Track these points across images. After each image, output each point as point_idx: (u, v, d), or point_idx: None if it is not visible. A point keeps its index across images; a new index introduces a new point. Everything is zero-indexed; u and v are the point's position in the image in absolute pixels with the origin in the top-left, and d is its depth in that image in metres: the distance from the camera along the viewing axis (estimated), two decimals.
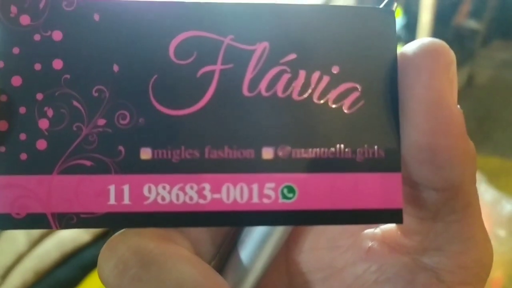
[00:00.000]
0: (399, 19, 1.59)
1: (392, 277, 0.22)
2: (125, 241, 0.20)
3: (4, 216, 0.19)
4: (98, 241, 0.73)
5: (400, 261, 0.22)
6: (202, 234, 0.22)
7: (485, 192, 0.99)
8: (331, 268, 0.23)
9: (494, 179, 1.05)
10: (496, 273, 0.85)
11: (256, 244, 0.22)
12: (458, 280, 0.20)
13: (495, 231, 0.92)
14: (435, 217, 0.20)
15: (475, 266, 0.20)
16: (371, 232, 0.23)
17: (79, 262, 0.73)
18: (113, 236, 0.20)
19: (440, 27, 1.65)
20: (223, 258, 0.23)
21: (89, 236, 0.73)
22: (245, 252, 0.22)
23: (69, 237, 0.72)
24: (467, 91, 1.70)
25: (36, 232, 0.72)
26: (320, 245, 0.24)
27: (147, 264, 0.19)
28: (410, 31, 1.63)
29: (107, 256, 0.20)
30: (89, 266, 0.70)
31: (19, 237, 0.73)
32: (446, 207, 0.20)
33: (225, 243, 0.23)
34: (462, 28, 1.79)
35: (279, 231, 0.22)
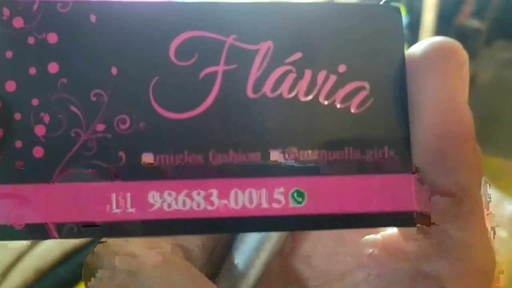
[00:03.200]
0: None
1: (392, 284, 0.21)
2: (112, 247, 0.19)
3: (1, 227, 0.18)
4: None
5: (401, 268, 0.21)
6: (193, 239, 0.22)
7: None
8: (329, 275, 0.23)
9: (496, 180, 1.05)
10: (497, 274, 0.84)
11: (250, 250, 0.22)
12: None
13: (496, 232, 0.92)
14: (438, 222, 0.20)
15: (478, 274, 0.20)
16: (371, 238, 0.22)
17: (80, 260, 0.73)
18: (99, 243, 0.20)
19: (443, 26, 1.65)
20: (215, 264, 0.23)
21: None
22: (239, 258, 0.22)
23: None
24: (469, 90, 1.70)
25: None
26: (317, 251, 0.23)
27: (134, 271, 0.18)
28: (413, 30, 1.63)
29: (92, 263, 0.19)
30: None
31: None
32: (451, 213, 0.19)
33: (217, 247, 0.23)
34: (465, 27, 1.79)
35: (274, 237, 0.22)
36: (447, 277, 0.20)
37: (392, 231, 0.22)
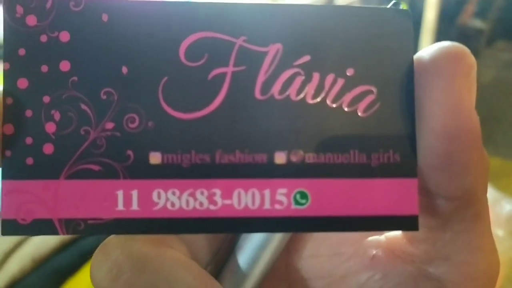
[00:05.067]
0: None
1: (396, 286, 0.21)
2: (119, 245, 0.19)
3: (9, 221, 0.19)
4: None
5: (405, 270, 0.21)
6: (199, 238, 0.22)
7: None
8: (333, 275, 0.23)
9: (495, 180, 1.05)
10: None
11: (254, 250, 0.22)
12: None
13: (493, 231, 0.92)
14: (444, 226, 0.20)
15: (482, 277, 0.20)
16: (376, 239, 0.23)
17: (78, 249, 0.73)
18: (106, 240, 0.20)
19: (445, 26, 1.65)
20: (220, 263, 0.23)
21: None
22: (243, 257, 0.22)
23: None
24: None
25: None
26: (321, 252, 0.23)
27: (141, 268, 0.18)
28: (415, 30, 1.62)
29: (100, 260, 0.19)
30: (88, 254, 0.69)
31: None
32: (457, 216, 0.19)
33: (223, 247, 0.23)
34: (467, 27, 1.79)
35: (278, 237, 0.22)
36: (452, 280, 0.20)
37: (396, 232, 0.22)
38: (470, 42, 1.76)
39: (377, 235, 0.23)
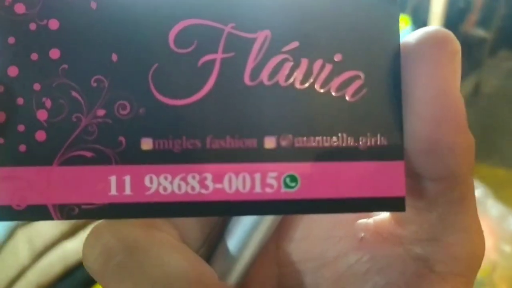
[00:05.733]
0: (408, 28, 1.60)
1: (384, 267, 0.22)
2: (110, 228, 0.20)
3: (4, 208, 0.19)
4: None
5: (393, 251, 0.21)
6: (190, 221, 0.22)
7: (492, 207, 0.98)
8: (323, 258, 0.23)
9: (499, 191, 1.04)
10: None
11: (244, 233, 0.22)
12: (451, 270, 0.20)
13: (500, 246, 0.92)
14: (431, 207, 0.20)
15: (468, 258, 0.20)
16: (364, 222, 0.23)
17: (82, 275, 0.73)
18: (98, 223, 0.20)
19: None
20: (211, 247, 0.23)
21: None
22: (233, 240, 0.22)
23: (73, 250, 0.72)
24: (473, 100, 1.69)
25: (39, 245, 0.72)
26: (311, 234, 0.24)
27: (132, 251, 0.19)
28: None
29: (91, 243, 0.20)
30: (92, 280, 0.69)
31: (22, 250, 0.73)
32: (443, 198, 0.20)
33: (214, 231, 0.23)
34: (470, 36, 1.79)
35: (268, 220, 0.22)
36: (438, 260, 0.20)
37: (384, 215, 0.23)
38: (473, 51, 1.76)
39: (366, 217, 0.23)
